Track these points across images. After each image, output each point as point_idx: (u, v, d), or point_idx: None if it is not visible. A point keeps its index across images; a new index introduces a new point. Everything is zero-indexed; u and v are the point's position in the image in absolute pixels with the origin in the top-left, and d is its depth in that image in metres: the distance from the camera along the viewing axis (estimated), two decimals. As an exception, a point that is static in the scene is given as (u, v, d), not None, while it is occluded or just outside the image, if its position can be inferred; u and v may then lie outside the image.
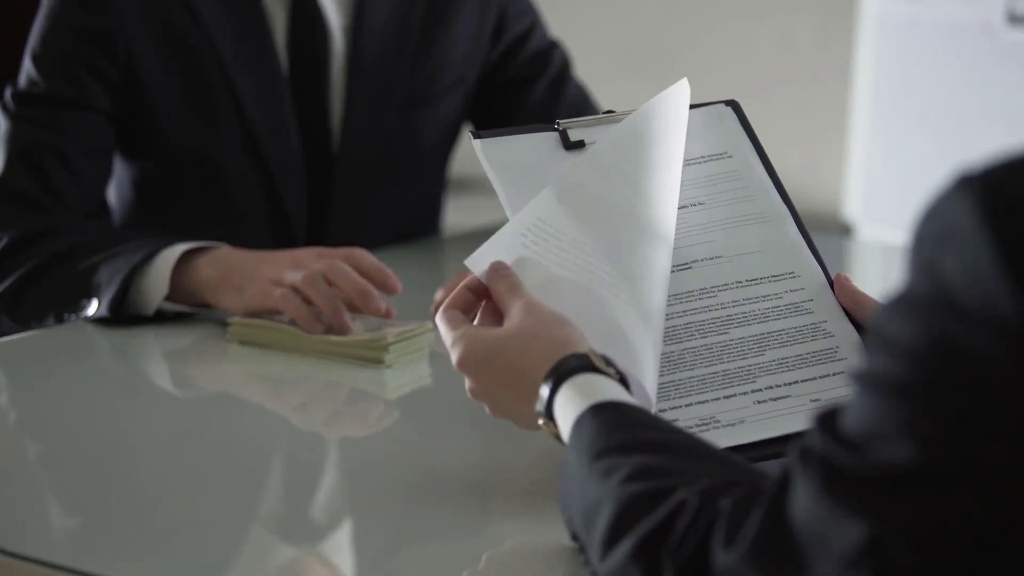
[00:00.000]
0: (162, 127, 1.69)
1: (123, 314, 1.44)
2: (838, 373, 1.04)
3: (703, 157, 1.14)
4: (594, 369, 0.91)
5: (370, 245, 1.81)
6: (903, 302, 0.66)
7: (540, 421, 0.93)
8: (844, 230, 3.02)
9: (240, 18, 1.69)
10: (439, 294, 1.50)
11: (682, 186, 1.11)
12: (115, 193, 1.77)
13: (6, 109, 1.64)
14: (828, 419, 0.69)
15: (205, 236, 1.52)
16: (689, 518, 0.74)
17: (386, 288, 1.41)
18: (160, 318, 1.46)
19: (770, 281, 1.08)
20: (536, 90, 1.89)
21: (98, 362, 1.41)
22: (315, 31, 1.73)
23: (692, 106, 1.16)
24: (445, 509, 0.99)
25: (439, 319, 1.03)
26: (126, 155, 1.73)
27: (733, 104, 1.18)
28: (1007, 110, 2.85)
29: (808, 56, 3.21)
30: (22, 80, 1.65)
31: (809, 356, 1.05)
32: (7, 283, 1.52)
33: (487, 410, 1.00)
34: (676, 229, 1.08)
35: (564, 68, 1.92)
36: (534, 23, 1.91)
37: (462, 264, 1.54)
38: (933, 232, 0.65)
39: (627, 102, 1.34)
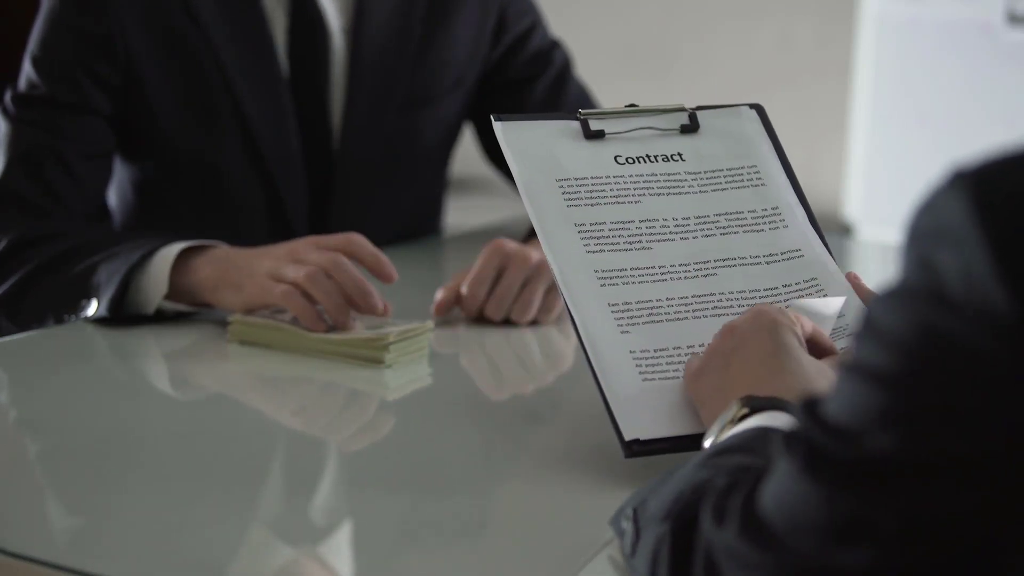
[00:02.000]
0: (162, 129, 1.69)
1: (123, 314, 1.44)
2: None
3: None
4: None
5: (370, 245, 1.82)
6: (896, 294, 0.66)
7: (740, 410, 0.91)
8: (844, 230, 3.02)
9: (239, 20, 1.69)
10: (439, 294, 1.50)
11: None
12: (115, 194, 1.77)
13: (6, 112, 1.64)
14: (811, 405, 0.70)
15: (205, 236, 1.52)
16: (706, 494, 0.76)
17: (383, 277, 1.41)
18: (160, 318, 1.46)
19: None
20: (537, 90, 1.89)
21: (98, 362, 1.41)
22: (315, 32, 1.73)
23: (717, 107, 1.17)
24: (445, 509, 0.99)
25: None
26: (126, 157, 1.73)
27: (757, 107, 1.20)
28: (1007, 110, 2.85)
29: (808, 56, 3.21)
30: (22, 82, 1.65)
31: None
32: (6, 285, 1.52)
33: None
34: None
35: (565, 68, 1.92)
36: (535, 23, 1.91)
37: (462, 264, 1.55)
38: (927, 227, 0.65)
39: (627, 102, 1.34)
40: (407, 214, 1.90)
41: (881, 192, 3.04)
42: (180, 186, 1.73)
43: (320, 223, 1.78)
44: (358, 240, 1.42)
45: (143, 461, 1.11)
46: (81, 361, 1.39)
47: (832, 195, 3.12)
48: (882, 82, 3.01)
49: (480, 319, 1.49)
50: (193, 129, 1.70)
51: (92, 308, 1.45)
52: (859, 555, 0.65)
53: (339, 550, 0.95)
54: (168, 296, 1.45)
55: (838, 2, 3.15)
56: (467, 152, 2.03)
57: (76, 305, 1.46)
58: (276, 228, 1.75)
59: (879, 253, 2.16)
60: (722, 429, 0.90)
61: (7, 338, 1.45)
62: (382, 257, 1.42)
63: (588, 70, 2.09)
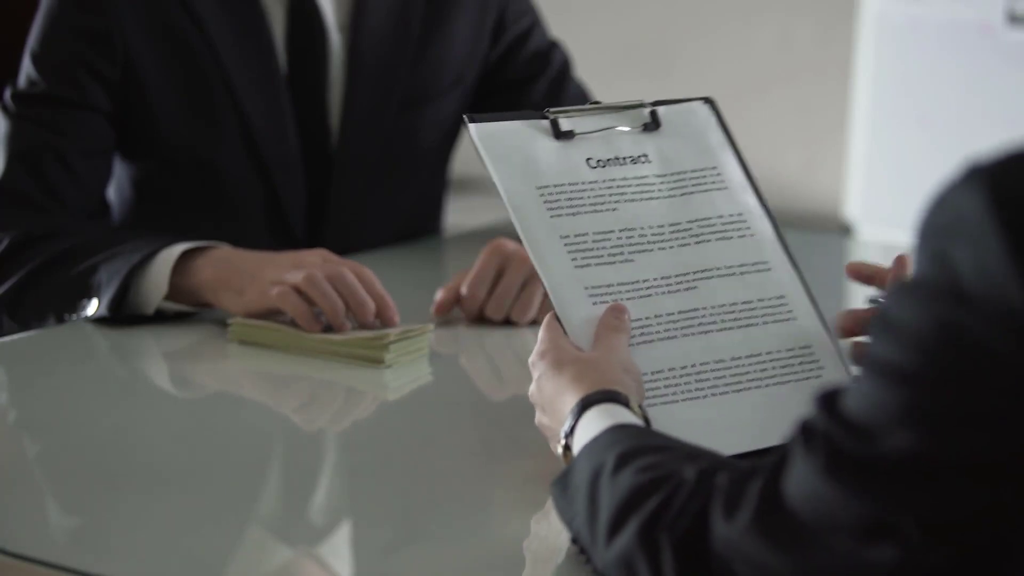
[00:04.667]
0: (161, 127, 1.69)
1: (123, 314, 1.44)
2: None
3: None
4: (623, 403, 0.92)
5: (370, 245, 1.81)
6: (912, 290, 0.66)
7: (560, 445, 0.93)
8: (844, 230, 3.02)
9: (238, 17, 1.69)
10: (439, 294, 1.50)
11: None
12: (114, 192, 1.77)
13: (6, 109, 1.64)
14: (830, 400, 0.69)
15: (204, 235, 1.52)
16: (686, 493, 0.75)
17: (383, 318, 1.40)
18: (160, 318, 1.46)
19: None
20: (536, 90, 1.89)
21: (98, 362, 1.41)
22: (313, 29, 1.73)
23: (669, 102, 1.17)
24: (445, 509, 0.99)
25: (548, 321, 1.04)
26: (125, 155, 1.73)
27: (709, 101, 1.19)
28: (1007, 110, 2.85)
29: (808, 56, 3.21)
30: (22, 80, 1.65)
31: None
32: (7, 284, 1.52)
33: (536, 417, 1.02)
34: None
35: (564, 68, 1.92)
36: (534, 23, 1.91)
37: (462, 264, 1.55)
38: (942, 222, 0.65)
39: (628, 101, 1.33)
40: (406, 214, 1.90)
41: (881, 192, 3.03)
42: (178, 184, 1.73)
43: (318, 221, 1.78)
44: (368, 272, 1.42)
45: (143, 461, 1.11)
46: (81, 361, 1.39)
47: (832, 195, 3.11)
48: (882, 82, 3.01)
49: (480, 319, 1.49)
50: (192, 126, 1.70)
51: (92, 308, 1.45)
52: (885, 553, 0.65)
53: (338, 550, 0.95)
54: (169, 296, 1.45)
55: (838, 2, 3.15)
56: (467, 152, 2.03)
57: (76, 304, 1.46)
58: (274, 226, 1.75)
59: (879, 253, 2.16)
60: (572, 429, 0.92)
61: (7, 338, 1.45)
62: (387, 298, 1.41)
63: (588, 70, 2.09)
